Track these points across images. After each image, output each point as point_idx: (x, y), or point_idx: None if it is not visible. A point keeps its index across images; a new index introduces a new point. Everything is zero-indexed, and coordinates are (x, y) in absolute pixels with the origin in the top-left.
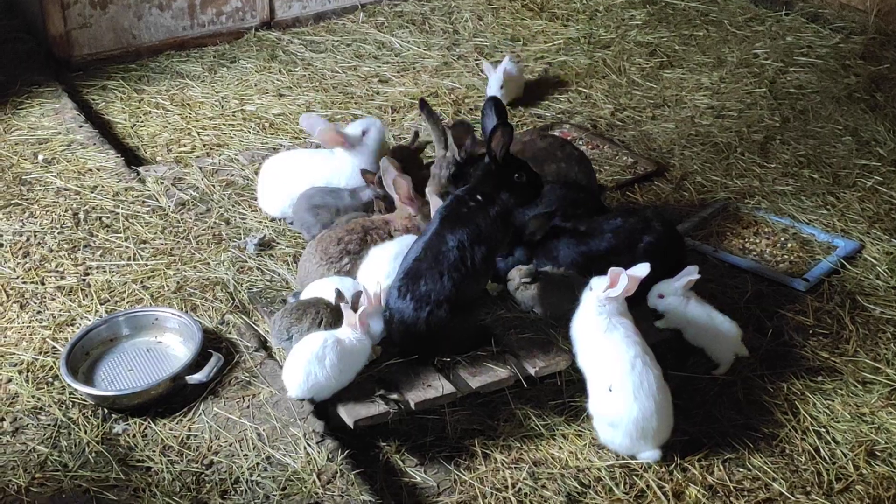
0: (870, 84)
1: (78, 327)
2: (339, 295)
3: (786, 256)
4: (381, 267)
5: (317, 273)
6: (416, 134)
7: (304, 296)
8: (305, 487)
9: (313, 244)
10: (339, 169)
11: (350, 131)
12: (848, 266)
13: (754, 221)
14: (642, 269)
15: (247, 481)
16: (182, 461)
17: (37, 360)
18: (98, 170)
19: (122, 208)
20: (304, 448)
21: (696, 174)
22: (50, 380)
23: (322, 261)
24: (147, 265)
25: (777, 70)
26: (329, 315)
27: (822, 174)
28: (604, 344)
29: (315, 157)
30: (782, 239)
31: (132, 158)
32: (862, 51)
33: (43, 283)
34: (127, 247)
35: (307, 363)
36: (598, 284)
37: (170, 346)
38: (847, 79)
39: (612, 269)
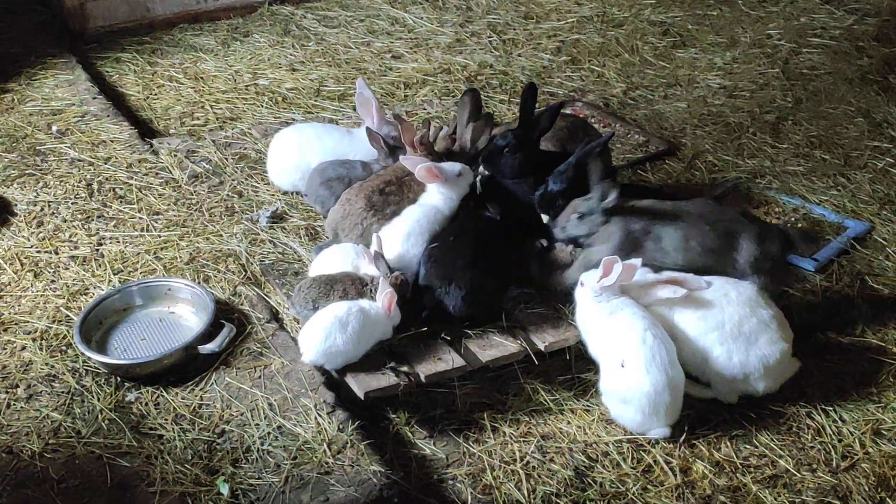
0: (883, 66)
1: (91, 297)
2: (377, 255)
3: None
4: (394, 248)
5: (359, 217)
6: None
7: (317, 265)
8: (316, 457)
9: (352, 192)
10: (355, 148)
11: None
12: (858, 247)
13: (765, 201)
14: (637, 261)
15: (258, 450)
16: (194, 430)
17: (51, 328)
18: (111, 141)
19: (135, 180)
20: (315, 418)
21: (707, 153)
22: (63, 348)
23: (367, 208)
24: (160, 236)
25: (790, 51)
26: (355, 292)
27: (834, 155)
28: (613, 324)
29: (332, 133)
30: (793, 219)
31: (145, 130)
32: (875, 32)
33: (57, 253)
34: (140, 218)
35: (329, 326)
36: (589, 278)
37: (182, 316)
38: (860, 60)
39: (606, 259)
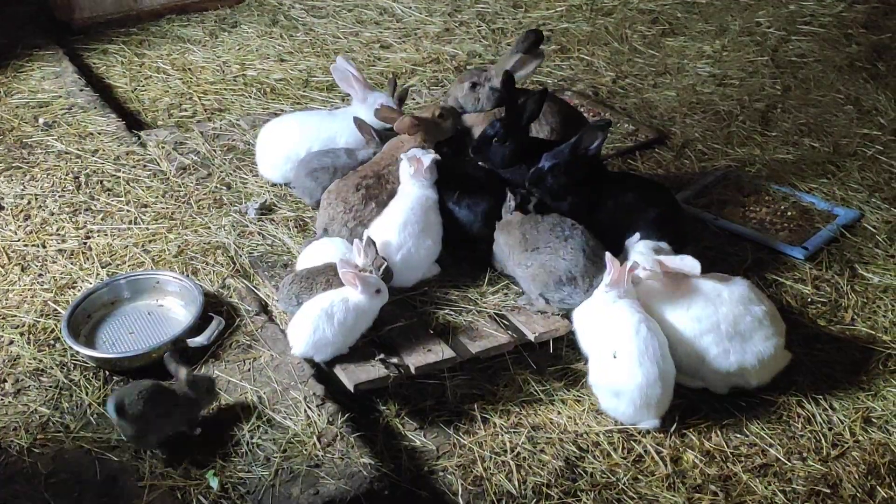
0: (872, 53)
1: (79, 290)
2: (369, 241)
3: (786, 225)
4: (391, 239)
5: (341, 221)
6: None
7: (303, 259)
8: (306, 450)
9: (331, 194)
10: (338, 129)
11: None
12: (847, 234)
13: (755, 190)
14: (640, 269)
15: (247, 443)
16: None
17: (38, 322)
18: (99, 133)
19: (123, 172)
20: (305, 411)
21: (697, 142)
22: (51, 342)
23: (346, 211)
24: (148, 229)
25: (779, 38)
26: (338, 283)
27: (823, 143)
28: (607, 314)
29: (312, 118)
30: (782, 207)
31: (133, 122)
32: (864, 20)
33: (44, 246)
34: (128, 210)
35: (316, 318)
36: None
37: (171, 309)
38: (849, 48)
39: (613, 260)
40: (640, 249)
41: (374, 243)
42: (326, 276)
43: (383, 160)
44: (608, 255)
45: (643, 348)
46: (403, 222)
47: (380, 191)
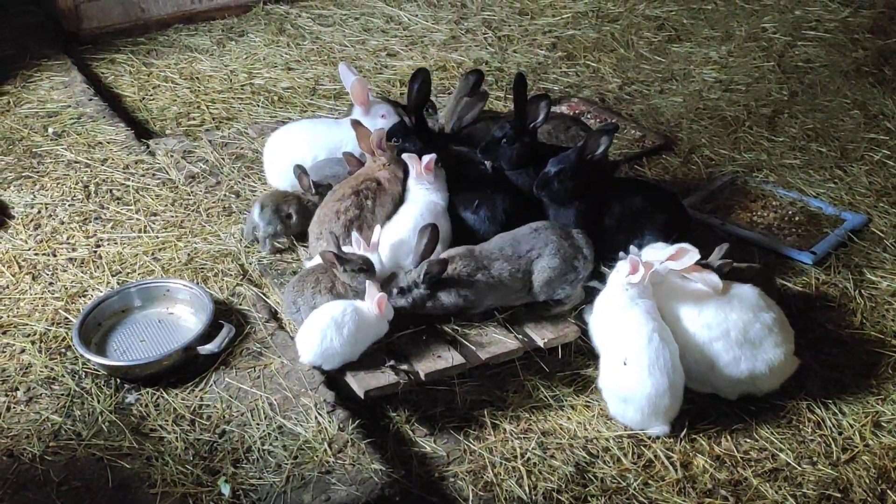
0: (878, 58)
1: (90, 298)
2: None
3: (793, 230)
4: (402, 238)
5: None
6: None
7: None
8: (317, 456)
9: (315, 226)
10: (344, 138)
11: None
12: (855, 239)
13: (762, 195)
14: (660, 263)
15: (259, 450)
16: (195, 430)
17: (49, 330)
18: (108, 143)
19: (132, 181)
20: (316, 417)
21: (704, 148)
22: (63, 350)
23: (332, 244)
24: (158, 237)
25: (785, 44)
26: (328, 280)
27: (830, 148)
28: (622, 318)
29: (318, 126)
30: (790, 212)
31: (142, 131)
32: (870, 24)
33: (55, 255)
34: (138, 219)
35: (325, 327)
36: (623, 268)
37: (181, 317)
38: (855, 53)
39: (632, 257)
40: (657, 247)
41: (358, 240)
42: (315, 276)
43: (360, 177)
44: (631, 256)
45: (654, 358)
46: (415, 226)
47: (361, 209)
